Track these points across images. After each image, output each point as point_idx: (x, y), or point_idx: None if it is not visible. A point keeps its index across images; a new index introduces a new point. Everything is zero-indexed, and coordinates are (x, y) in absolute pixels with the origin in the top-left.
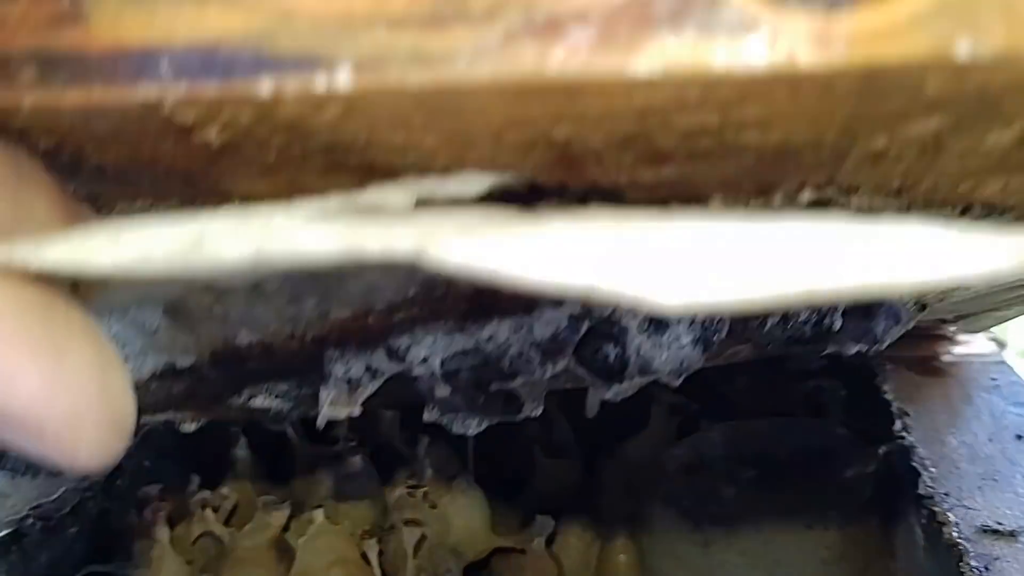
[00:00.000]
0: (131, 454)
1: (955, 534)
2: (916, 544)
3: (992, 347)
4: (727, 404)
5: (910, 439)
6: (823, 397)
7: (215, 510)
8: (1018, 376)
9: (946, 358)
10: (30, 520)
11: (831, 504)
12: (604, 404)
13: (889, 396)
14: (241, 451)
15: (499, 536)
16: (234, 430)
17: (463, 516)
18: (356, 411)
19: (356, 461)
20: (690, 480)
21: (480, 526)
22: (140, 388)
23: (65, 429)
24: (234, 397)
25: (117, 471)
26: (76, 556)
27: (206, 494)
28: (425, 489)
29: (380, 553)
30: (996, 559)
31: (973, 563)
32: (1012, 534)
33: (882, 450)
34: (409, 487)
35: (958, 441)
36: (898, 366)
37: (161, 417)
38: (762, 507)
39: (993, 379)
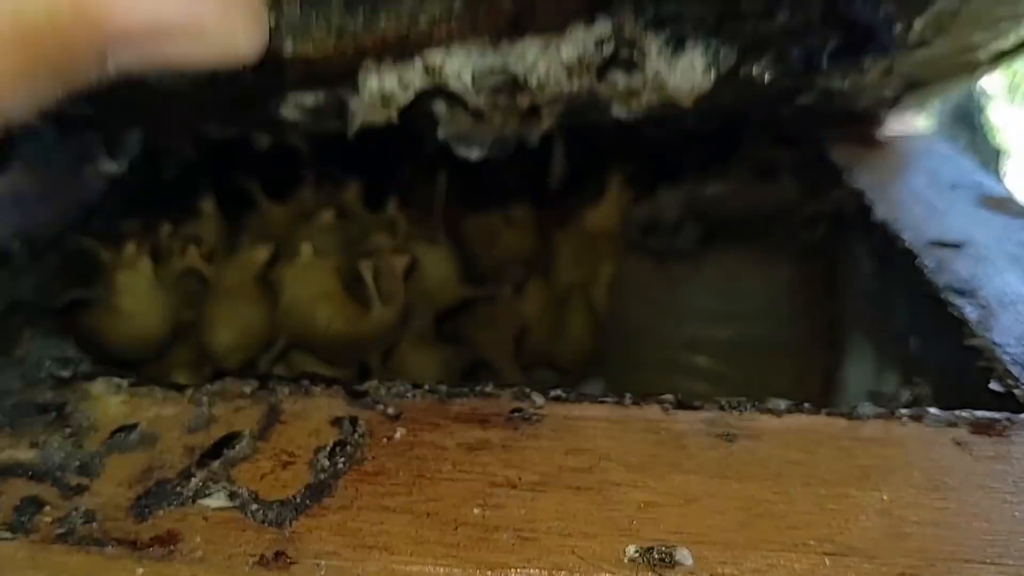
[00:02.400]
0: (106, 195)
1: (908, 245)
2: (862, 272)
3: (923, 126)
4: (682, 174)
5: (859, 186)
6: (774, 164)
7: (197, 245)
8: (948, 148)
9: (883, 136)
10: (17, 243)
11: (787, 246)
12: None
13: (835, 160)
14: (207, 204)
15: (468, 287)
16: (201, 182)
17: (435, 266)
18: (394, 118)
19: (328, 216)
20: (649, 236)
21: (451, 277)
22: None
23: (221, 22)
24: (263, 105)
25: (92, 210)
26: (61, 285)
27: (187, 230)
28: (403, 233)
29: (376, 273)
30: (945, 260)
31: (927, 263)
32: (957, 245)
33: (834, 193)
34: (387, 229)
35: (901, 188)
36: (841, 141)
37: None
38: (723, 250)
39: (927, 148)
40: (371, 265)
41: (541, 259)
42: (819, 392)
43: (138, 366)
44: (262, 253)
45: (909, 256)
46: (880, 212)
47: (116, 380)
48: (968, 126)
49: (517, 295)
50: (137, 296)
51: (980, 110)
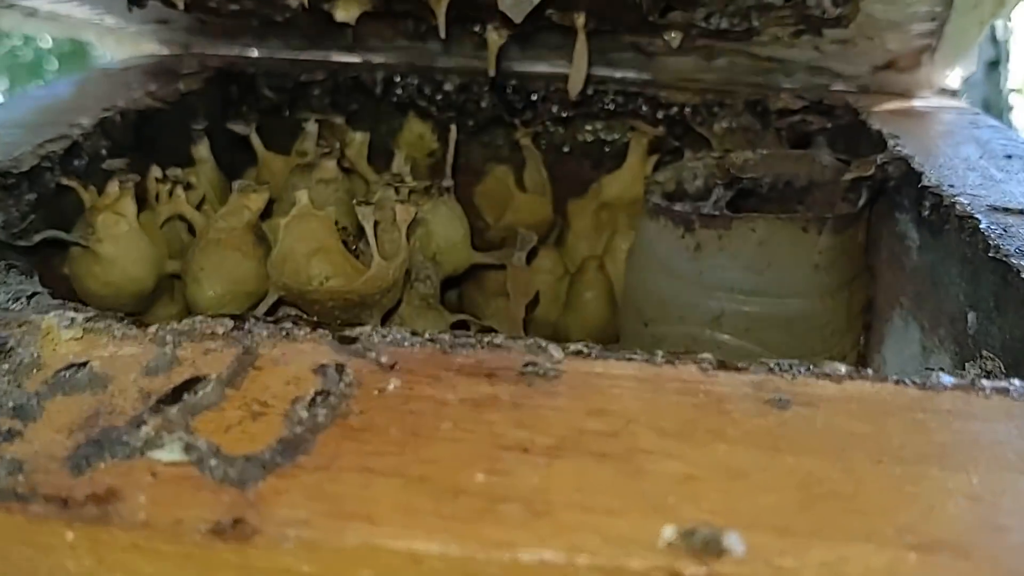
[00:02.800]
0: (89, 135)
1: (968, 210)
2: (908, 244)
3: (965, 103)
4: (708, 144)
5: (906, 151)
6: (806, 130)
7: (186, 189)
8: (995, 121)
9: (922, 108)
10: None
11: (823, 214)
12: (580, 143)
13: (877, 127)
14: (202, 149)
15: (478, 252)
16: (195, 128)
17: (443, 226)
18: None
19: (331, 166)
20: (673, 201)
21: (460, 239)
22: None
23: None
24: None
25: (75, 149)
26: (35, 225)
27: (177, 171)
28: (411, 187)
29: (376, 224)
30: (1011, 226)
31: (991, 229)
32: (1022, 212)
33: (879, 158)
34: (394, 183)
35: (952, 156)
36: (877, 111)
37: None
38: (754, 217)
39: (972, 122)
40: (372, 212)
41: (555, 228)
42: None
43: None
44: (255, 200)
45: (968, 223)
46: (932, 176)
47: (71, 313)
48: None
49: (529, 264)
50: (118, 241)
51: (1007, 105)
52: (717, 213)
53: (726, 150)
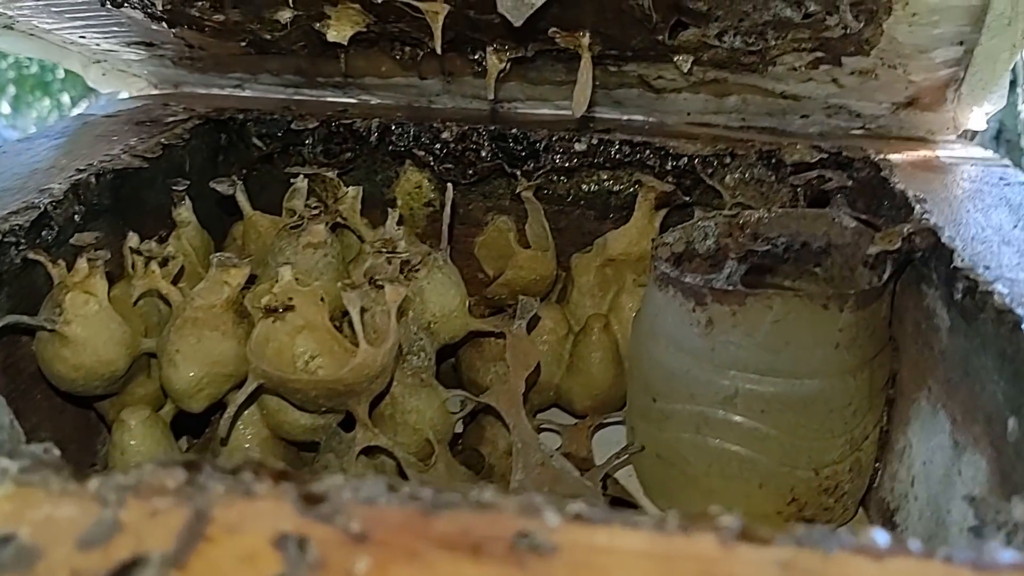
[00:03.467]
0: (60, 203)
1: (1008, 302)
2: (938, 326)
3: (990, 153)
4: (719, 197)
5: (933, 220)
6: (825, 187)
7: (162, 265)
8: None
9: (946, 159)
10: None
11: (847, 285)
12: (585, 194)
13: (900, 185)
14: (183, 212)
15: (476, 319)
16: (176, 190)
17: (439, 294)
18: None
19: (320, 230)
20: (682, 268)
21: (456, 306)
22: None
23: None
24: None
25: (44, 219)
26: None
27: (151, 245)
28: (404, 257)
29: (363, 311)
30: None
31: None
32: None
33: (906, 229)
34: (386, 251)
35: (983, 224)
36: (900, 165)
37: None
38: (770, 291)
39: (1002, 178)
40: (359, 297)
41: (558, 284)
42: (874, 460)
43: (93, 400)
44: (235, 275)
45: (1008, 317)
46: (964, 255)
47: (1, 463)
48: (1012, 147)
49: (530, 329)
50: (88, 321)
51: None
52: (730, 288)
53: (739, 204)
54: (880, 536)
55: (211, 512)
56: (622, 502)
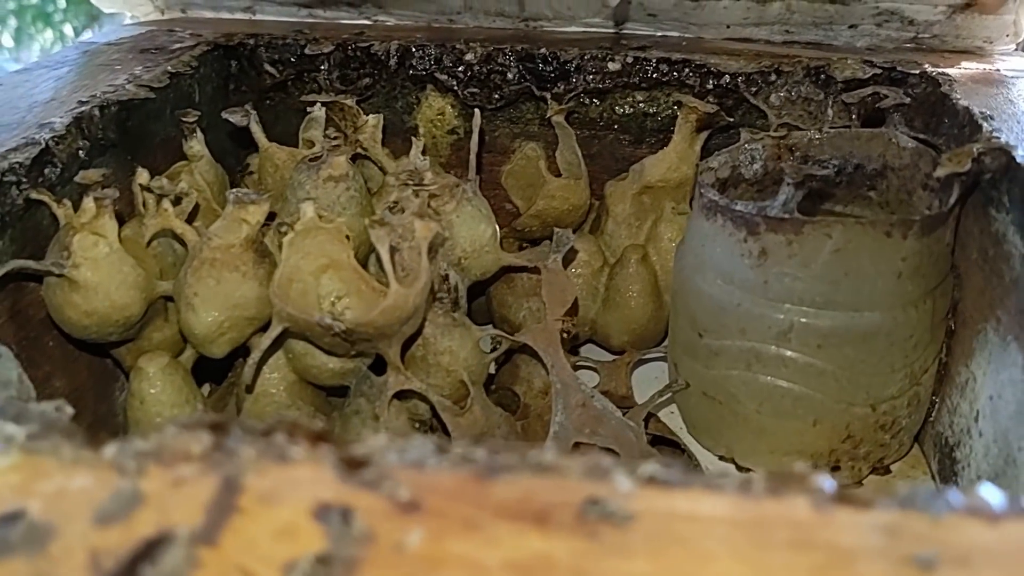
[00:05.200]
0: (62, 138)
1: None
2: (1010, 251)
3: None
4: (763, 117)
5: (1004, 139)
6: (880, 105)
7: (175, 203)
8: None
9: (1008, 73)
10: None
11: (903, 214)
12: (619, 117)
13: (963, 102)
14: (195, 144)
15: (508, 253)
16: (186, 122)
17: (469, 228)
18: None
19: (341, 162)
20: (728, 194)
21: (487, 240)
22: None
23: None
24: None
25: (44, 156)
26: (2, 249)
27: (162, 181)
28: (432, 189)
29: (393, 250)
30: None
31: None
32: None
33: (976, 148)
34: (412, 183)
35: None
36: (960, 80)
37: None
38: (827, 218)
39: None
40: (387, 233)
41: (591, 214)
42: (931, 393)
43: (108, 347)
44: (253, 212)
45: None
46: None
47: (8, 428)
48: None
49: (566, 263)
50: (98, 265)
51: None
52: (786, 216)
53: (786, 125)
54: (993, 496)
55: (242, 480)
56: (665, 441)
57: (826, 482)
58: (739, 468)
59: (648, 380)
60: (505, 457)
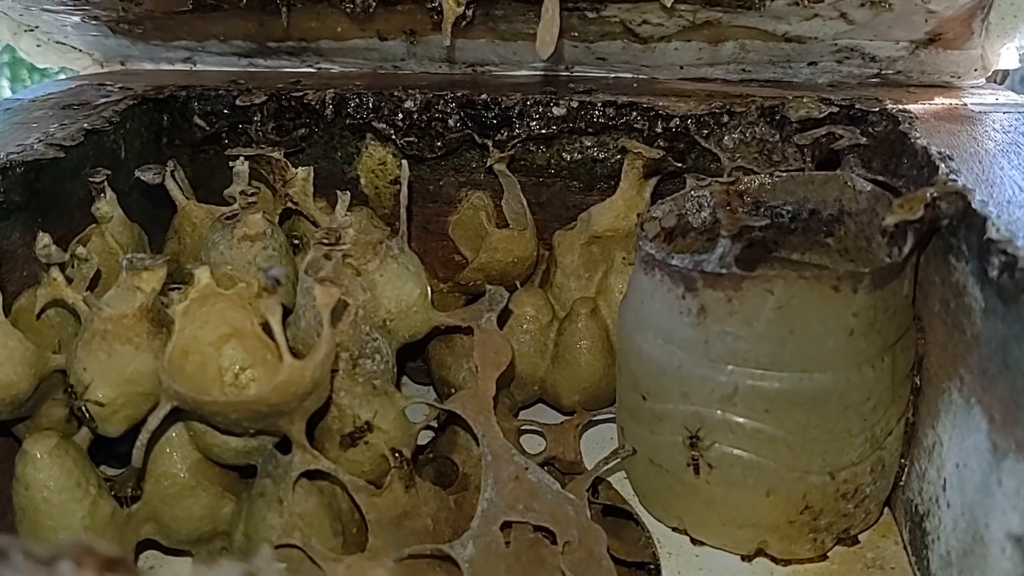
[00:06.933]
0: None
1: None
2: (970, 306)
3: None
4: (717, 161)
5: (962, 181)
6: (835, 146)
7: (67, 274)
8: None
9: (975, 108)
10: None
11: (862, 262)
12: (567, 163)
13: (922, 141)
14: (104, 206)
15: (440, 312)
16: (93, 181)
17: (394, 287)
18: None
19: (256, 220)
20: (675, 245)
21: (415, 299)
22: None
23: None
24: None
25: None
26: None
27: (50, 249)
28: (346, 248)
29: (285, 317)
30: None
31: None
32: None
33: (929, 193)
34: (326, 243)
35: (1022, 185)
36: (921, 117)
37: None
38: (773, 272)
39: None
40: (276, 304)
41: (540, 265)
42: (899, 456)
43: (4, 426)
44: (148, 279)
45: None
46: (1000, 224)
47: None
48: None
49: (501, 322)
50: None
51: None
52: (724, 271)
53: (738, 168)
54: None
55: None
56: (617, 511)
57: None
58: (693, 541)
59: (602, 442)
60: None
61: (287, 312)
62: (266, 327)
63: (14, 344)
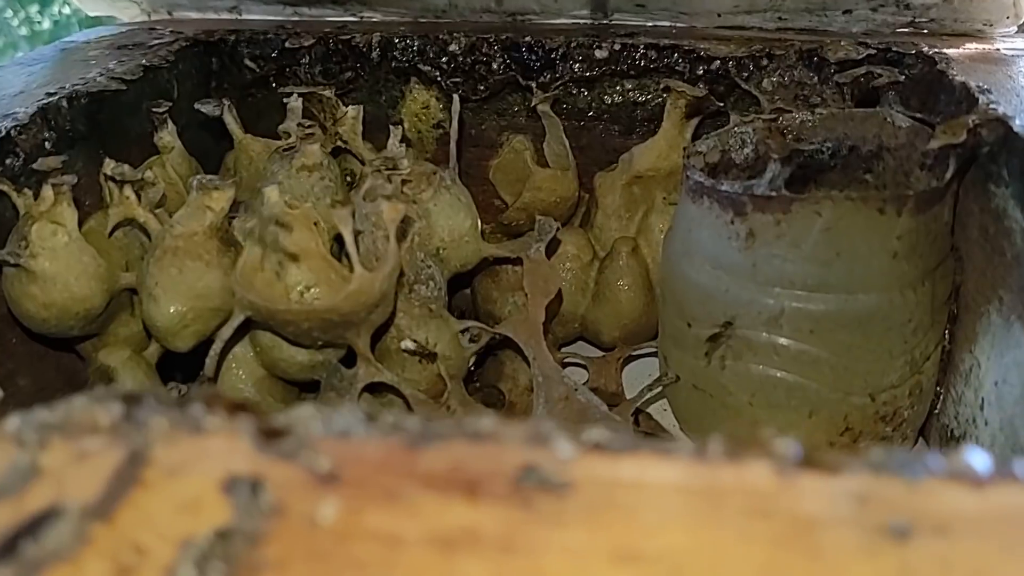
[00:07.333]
0: (26, 128)
1: None
2: (1011, 227)
3: None
4: (756, 103)
5: (1002, 110)
6: (874, 84)
7: (138, 193)
8: None
9: (1008, 52)
10: None
11: (905, 186)
12: (608, 106)
13: (960, 78)
14: (166, 136)
15: (490, 243)
16: (156, 112)
17: (447, 217)
18: None
19: (314, 150)
20: (718, 175)
21: (467, 229)
22: None
23: None
24: None
25: (7, 146)
26: None
27: (123, 168)
28: (404, 175)
29: (358, 233)
30: None
31: None
32: None
33: (972, 120)
34: (385, 169)
35: None
36: (957, 59)
37: None
38: (818, 197)
39: None
40: (350, 214)
41: (580, 206)
42: (935, 383)
43: (72, 342)
44: (218, 198)
45: None
46: None
47: None
48: None
49: (550, 253)
50: (57, 255)
51: None
52: (773, 194)
53: (778, 109)
54: (978, 458)
55: (150, 452)
56: (656, 439)
57: (791, 447)
58: None
59: (640, 376)
60: (438, 425)
61: None
62: (337, 239)
63: (88, 260)
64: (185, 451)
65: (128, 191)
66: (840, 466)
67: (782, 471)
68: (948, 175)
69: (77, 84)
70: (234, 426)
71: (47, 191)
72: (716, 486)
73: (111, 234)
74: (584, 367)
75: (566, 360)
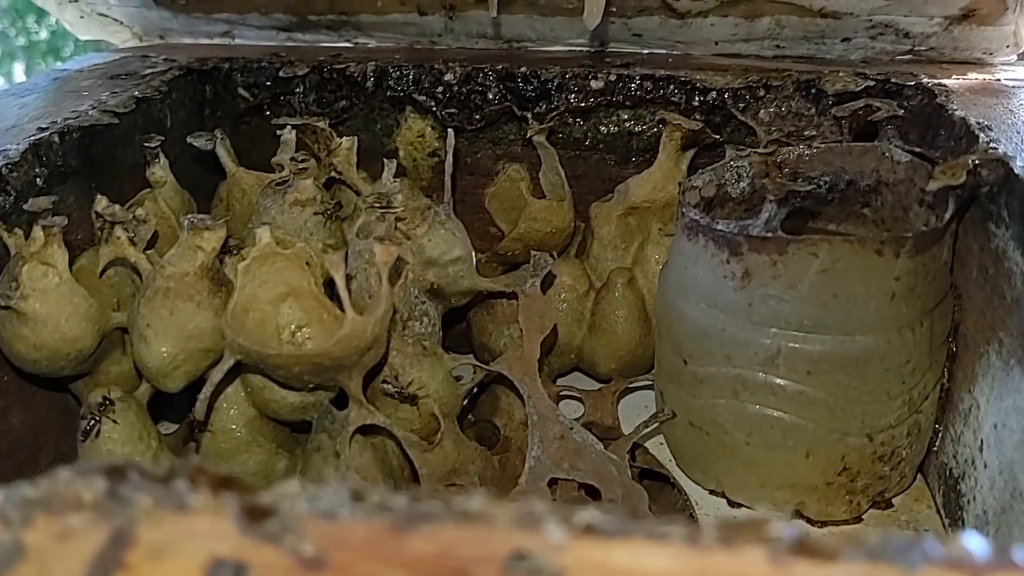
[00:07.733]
0: (16, 165)
1: None
2: (1011, 269)
3: None
4: (753, 134)
5: (1002, 149)
6: (872, 118)
7: (130, 235)
8: None
9: (1009, 83)
10: None
11: (899, 232)
12: (604, 136)
13: (959, 112)
14: (158, 170)
15: (484, 278)
16: (148, 147)
17: (440, 251)
18: None
19: (307, 185)
20: (714, 214)
21: (461, 265)
22: None
23: None
24: None
25: (0, 184)
26: None
27: (114, 208)
28: (397, 212)
29: (349, 277)
30: None
31: None
32: None
33: (971, 160)
34: (379, 206)
35: None
36: (956, 90)
37: None
38: (815, 237)
39: None
40: (341, 259)
41: (576, 236)
42: (934, 422)
43: (64, 382)
44: (208, 239)
45: None
46: None
47: None
48: None
49: (545, 287)
50: (47, 296)
51: None
52: (769, 234)
53: (775, 141)
54: (976, 545)
55: (134, 532)
56: (654, 474)
57: (786, 531)
58: (730, 503)
59: (636, 409)
60: (427, 505)
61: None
62: (326, 284)
63: (79, 300)
64: (169, 531)
65: (119, 231)
66: (836, 553)
67: (776, 558)
68: (947, 215)
69: (69, 118)
70: (218, 505)
71: (38, 232)
72: (709, 573)
73: (101, 274)
74: (580, 400)
75: (562, 393)
